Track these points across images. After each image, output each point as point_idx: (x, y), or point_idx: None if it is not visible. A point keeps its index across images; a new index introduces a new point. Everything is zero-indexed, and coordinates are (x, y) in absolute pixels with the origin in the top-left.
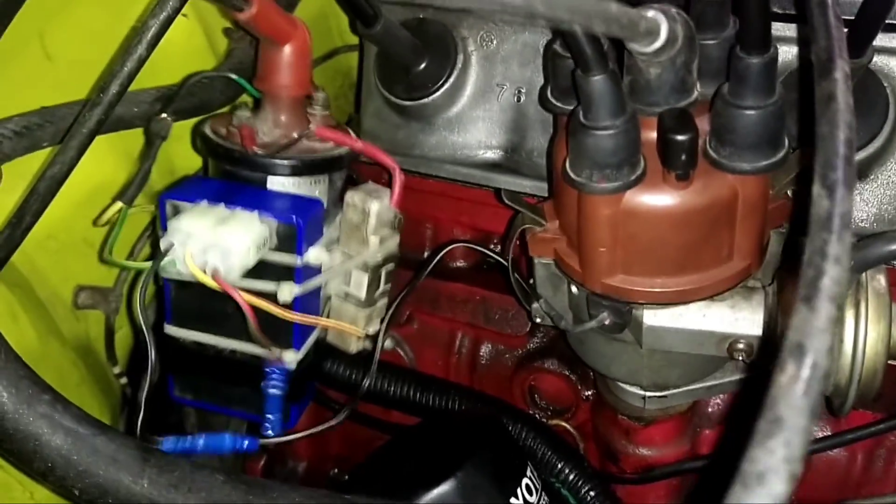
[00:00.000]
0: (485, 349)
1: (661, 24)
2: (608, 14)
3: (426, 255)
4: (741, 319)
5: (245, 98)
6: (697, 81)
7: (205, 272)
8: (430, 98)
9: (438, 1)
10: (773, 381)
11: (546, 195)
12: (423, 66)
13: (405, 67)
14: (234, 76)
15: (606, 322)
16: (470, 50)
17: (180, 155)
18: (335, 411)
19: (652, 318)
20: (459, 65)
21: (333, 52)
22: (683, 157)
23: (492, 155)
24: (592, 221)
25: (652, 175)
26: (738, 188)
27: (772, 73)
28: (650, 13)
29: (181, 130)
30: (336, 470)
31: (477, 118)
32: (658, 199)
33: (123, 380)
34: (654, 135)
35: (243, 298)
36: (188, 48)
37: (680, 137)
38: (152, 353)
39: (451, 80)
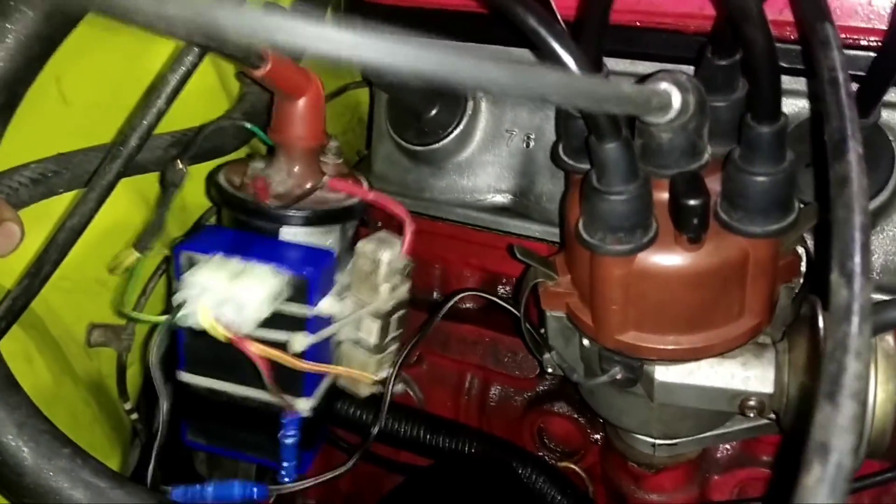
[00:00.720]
0: (494, 391)
1: (674, 96)
2: (622, 96)
3: (435, 295)
4: (752, 377)
5: (258, 144)
6: (708, 144)
7: (218, 326)
8: (441, 143)
9: (454, 81)
10: (799, 482)
11: (555, 240)
12: (433, 112)
13: (416, 114)
14: (249, 125)
15: (618, 377)
16: (479, 96)
17: (192, 193)
18: (346, 452)
19: (664, 374)
20: (469, 111)
21: (343, 89)
22: (696, 221)
23: (501, 199)
24: (605, 281)
25: (664, 235)
26: (748, 250)
27: (782, 140)
28: (662, 86)
29: (192, 170)
30: None
31: (486, 163)
32: (670, 260)
33: (134, 415)
34: (665, 196)
35: (257, 354)
36: (201, 88)
37: (692, 203)
38: (164, 406)
39: (462, 125)
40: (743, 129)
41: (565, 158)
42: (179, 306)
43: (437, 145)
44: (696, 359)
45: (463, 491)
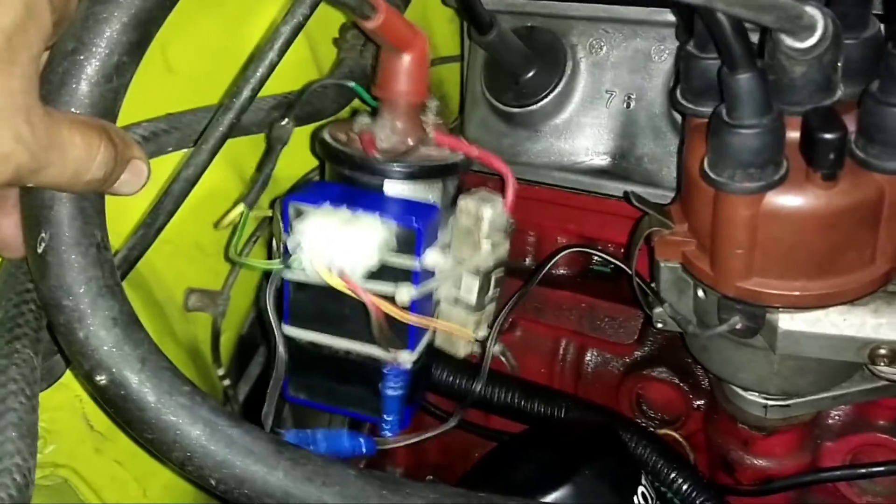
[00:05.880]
0: (590, 357)
1: (819, 19)
2: (777, 5)
3: (528, 262)
4: (885, 325)
5: (359, 106)
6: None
7: (331, 272)
8: (539, 105)
9: None
10: None
11: (656, 202)
12: (532, 73)
13: (514, 75)
14: (353, 85)
15: (738, 326)
16: (579, 57)
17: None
18: (437, 417)
19: (788, 322)
20: (568, 72)
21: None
22: (832, 156)
23: (600, 161)
24: (730, 223)
25: (794, 174)
26: (885, 188)
27: None
28: (808, 8)
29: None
30: (431, 477)
31: (585, 125)
32: (802, 199)
33: (226, 382)
34: (795, 134)
35: (371, 300)
36: (294, 60)
37: (829, 136)
38: (282, 350)
39: (560, 87)
40: (884, 60)
41: (684, 102)
42: (292, 253)
43: (534, 107)
44: (824, 306)
45: (569, 453)
